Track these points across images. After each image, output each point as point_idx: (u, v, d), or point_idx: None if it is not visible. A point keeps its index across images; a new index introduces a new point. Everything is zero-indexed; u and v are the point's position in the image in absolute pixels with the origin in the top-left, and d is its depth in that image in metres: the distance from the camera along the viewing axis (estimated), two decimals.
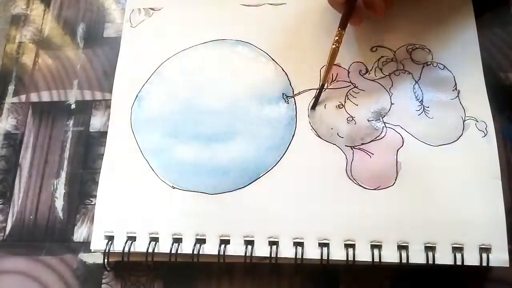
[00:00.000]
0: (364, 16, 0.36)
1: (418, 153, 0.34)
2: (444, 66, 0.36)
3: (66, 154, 0.39)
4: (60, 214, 0.37)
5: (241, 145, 0.35)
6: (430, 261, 0.31)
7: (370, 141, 0.34)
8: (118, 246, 0.34)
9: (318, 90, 0.36)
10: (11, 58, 0.43)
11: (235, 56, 0.38)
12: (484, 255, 0.31)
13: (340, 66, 0.36)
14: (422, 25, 0.37)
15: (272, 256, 0.32)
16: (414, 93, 0.35)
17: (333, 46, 0.34)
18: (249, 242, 0.33)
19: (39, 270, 0.35)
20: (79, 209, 0.37)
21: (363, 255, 0.32)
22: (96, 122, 0.40)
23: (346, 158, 0.34)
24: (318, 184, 0.34)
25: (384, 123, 0.35)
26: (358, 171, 0.34)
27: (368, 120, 0.35)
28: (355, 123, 0.35)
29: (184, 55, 0.39)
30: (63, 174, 0.38)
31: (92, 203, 0.37)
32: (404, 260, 0.31)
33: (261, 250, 0.33)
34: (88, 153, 0.39)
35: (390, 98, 0.36)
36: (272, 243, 0.33)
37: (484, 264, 0.30)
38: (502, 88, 0.37)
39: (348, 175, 0.34)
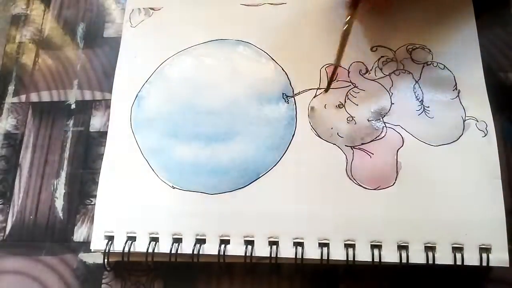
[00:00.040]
0: None
1: (418, 153, 0.33)
2: (444, 66, 0.36)
3: (66, 154, 0.39)
4: (60, 214, 0.37)
5: (241, 145, 0.35)
6: (430, 261, 0.31)
7: (370, 141, 0.34)
8: (118, 246, 0.34)
9: (331, 73, 0.35)
10: (11, 58, 0.43)
11: (235, 56, 0.38)
12: (484, 255, 0.31)
13: (340, 66, 0.36)
14: (422, 25, 0.37)
15: (272, 256, 0.32)
16: (414, 93, 0.35)
17: (345, 27, 0.34)
18: (249, 242, 0.33)
19: (39, 270, 0.35)
20: (79, 209, 0.37)
21: (363, 255, 0.32)
22: (96, 122, 0.40)
23: (346, 158, 0.34)
24: (318, 184, 0.34)
25: (384, 123, 0.35)
26: (358, 171, 0.34)
27: (368, 120, 0.35)
28: (355, 123, 0.35)
29: (184, 55, 0.39)
30: (63, 174, 0.38)
31: (92, 203, 0.37)
32: (404, 260, 0.31)
33: (261, 250, 0.32)
34: (88, 153, 0.39)
35: (390, 98, 0.36)
36: (272, 243, 0.33)
37: (484, 264, 0.30)
38: (502, 88, 0.37)
39: (348, 175, 0.34)
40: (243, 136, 0.36)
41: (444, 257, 0.31)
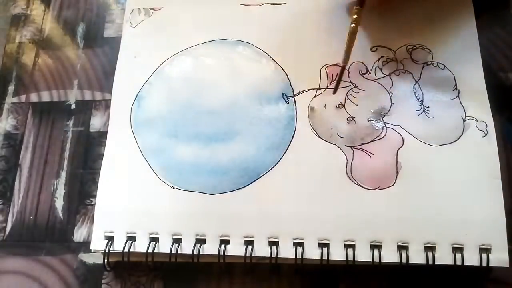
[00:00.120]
0: None
1: (418, 153, 0.33)
2: (444, 66, 0.36)
3: (66, 154, 0.39)
4: (60, 214, 0.37)
5: (241, 145, 0.35)
6: (430, 261, 0.31)
7: (370, 141, 0.34)
8: (118, 246, 0.34)
9: (338, 74, 0.35)
10: (11, 58, 0.43)
11: (235, 56, 0.38)
12: (484, 255, 0.31)
13: (340, 66, 0.36)
14: (422, 25, 0.37)
15: (272, 256, 0.32)
16: (414, 93, 0.35)
17: (352, 25, 0.34)
18: (249, 242, 0.33)
19: (39, 270, 0.35)
20: (79, 209, 0.37)
21: (363, 255, 0.32)
22: (96, 122, 0.40)
23: (346, 158, 0.34)
24: (318, 184, 0.34)
25: (384, 123, 0.35)
26: (358, 171, 0.34)
27: (368, 120, 0.35)
28: (355, 123, 0.35)
29: (184, 55, 0.39)
30: (63, 174, 0.38)
31: (92, 203, 0.37)
32: (404, 260, 0.31)
33: (261, 250, 0.32)
34: (88, 153, 0.39)
35: (390, 98, 0.36)
36: (272, 243, 0.33)
37: (484, 264, 0.30)
38: (502, 88, 0.37)
39: (348, 175, 0.34)
40: (243, 136, 0.36)
41: (444, 257, 0.31)
